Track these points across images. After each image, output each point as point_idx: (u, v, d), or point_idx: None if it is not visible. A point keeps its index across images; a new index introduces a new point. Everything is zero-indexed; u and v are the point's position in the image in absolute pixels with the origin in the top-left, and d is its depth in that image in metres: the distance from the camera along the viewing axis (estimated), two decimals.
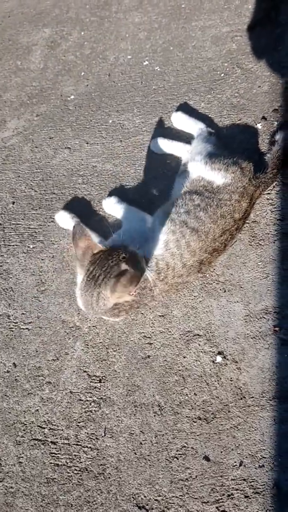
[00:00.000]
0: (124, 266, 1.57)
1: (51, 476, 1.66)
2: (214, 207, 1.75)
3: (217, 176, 1.84)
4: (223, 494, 1.51)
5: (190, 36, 2.64)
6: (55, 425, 1.75)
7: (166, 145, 2.21)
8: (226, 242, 1.76)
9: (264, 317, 1.75)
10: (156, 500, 1.55)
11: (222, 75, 2.41)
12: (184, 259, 1.71)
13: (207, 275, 1.87)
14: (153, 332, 1.83)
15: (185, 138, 2.22)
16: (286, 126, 2.10)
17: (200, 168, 1.89)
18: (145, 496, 1.56)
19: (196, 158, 1.95)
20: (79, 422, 1.73)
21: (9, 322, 2.00)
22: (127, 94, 2.55)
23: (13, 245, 2.20)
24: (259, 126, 2.18)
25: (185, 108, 2.34)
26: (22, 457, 1.72)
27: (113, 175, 2.28)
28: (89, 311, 1.68)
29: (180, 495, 1.54)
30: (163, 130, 2.33)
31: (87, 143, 2.44)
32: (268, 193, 1.98)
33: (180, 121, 2.27)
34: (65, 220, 2.12)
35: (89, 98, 2.63)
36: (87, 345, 1.87)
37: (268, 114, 2.20)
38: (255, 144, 2.14)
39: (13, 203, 2.34)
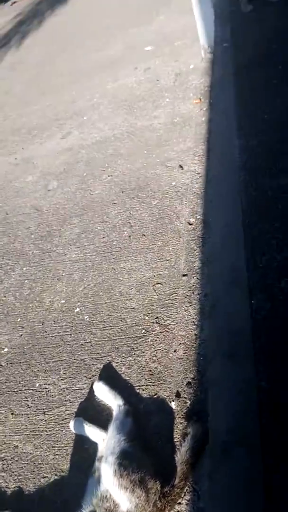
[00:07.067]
0: None
1: None
2: None
3: (123, 497, 1.73)
4: None
5: (118, 279, 2.64)
6: None
7: (84, 428, 2.14)
8: None
9: None
10: None
11: (143, 331, 2.35)
12: None
13: None
14: None
15: (106, 412, 2.14)
16: (197, 419, 1.97)
17: (109, 479, 1.79)
18: None
19: (108, 459, 1.85)
20: None
21: None
22: (56, 350, 2.52)
23: None
24: (173, 405, 2.06)
25: (107, 373, 2.28)
26: None
27: (32, 461, 2.17)
28: None
29: None
30: (85, 402, 2.26)
31: (12, 413, 2.38)
32: (179, 503, 1.82)
33: (101, 392, 2.22)
34: None
35: (22, 352, 2.61)
36: None
37: (182, 388, 2.08)
38: (168, 429, 2.01)
39: None
